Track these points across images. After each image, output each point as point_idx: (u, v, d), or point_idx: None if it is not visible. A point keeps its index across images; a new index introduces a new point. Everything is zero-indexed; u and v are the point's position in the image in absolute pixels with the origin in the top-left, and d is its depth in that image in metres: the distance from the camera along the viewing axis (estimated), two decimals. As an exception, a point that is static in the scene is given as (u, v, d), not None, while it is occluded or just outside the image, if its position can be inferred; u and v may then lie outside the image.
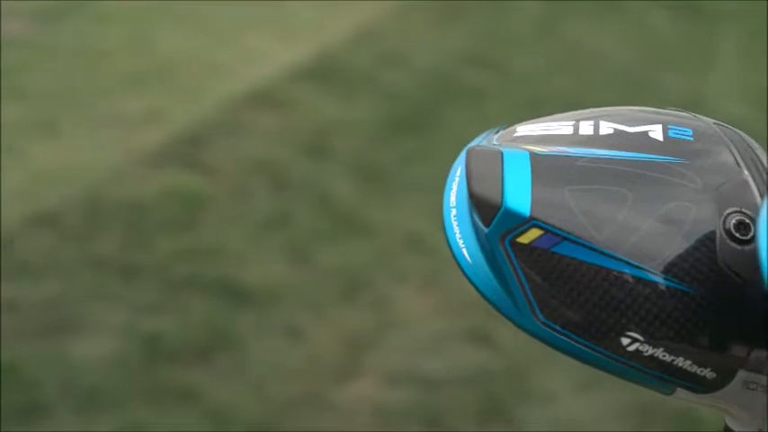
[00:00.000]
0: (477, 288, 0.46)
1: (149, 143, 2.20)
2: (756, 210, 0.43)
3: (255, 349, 1.65)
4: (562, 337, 0.44)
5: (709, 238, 0.43)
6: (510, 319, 0.45)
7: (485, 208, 0.44)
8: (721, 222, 0.43)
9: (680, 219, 0.43)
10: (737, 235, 0.43)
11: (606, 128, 0.46)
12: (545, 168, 0.44)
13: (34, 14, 2.68)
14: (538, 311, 0.44)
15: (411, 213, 1.98)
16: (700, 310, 0.42)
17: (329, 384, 1.59)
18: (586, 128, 0.46)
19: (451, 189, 0.48)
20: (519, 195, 0.43)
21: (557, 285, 0.43)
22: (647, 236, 0.43)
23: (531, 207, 0.43)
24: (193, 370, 1.59)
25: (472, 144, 0.48)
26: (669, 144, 0.45)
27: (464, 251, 0.46)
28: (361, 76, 2.56)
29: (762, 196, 0.44)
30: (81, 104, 2.35)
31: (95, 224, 1.92)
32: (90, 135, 2.24)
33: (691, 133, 0.46)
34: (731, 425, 0.46)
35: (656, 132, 0.46)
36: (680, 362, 0.43)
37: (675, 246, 0.43)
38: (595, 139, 0.46)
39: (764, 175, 0.45)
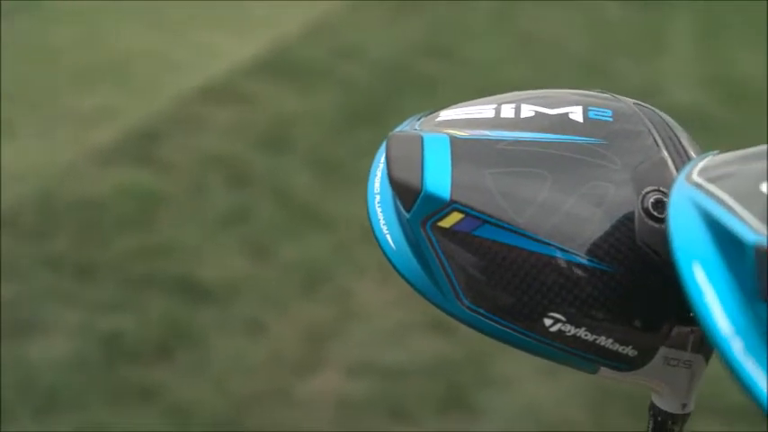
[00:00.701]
0: (401, 275, 0.46)
1: (104, 140, 2.18)
2: None
3: (216, 345, 1.64)
4: (488, 321, 0.44)
5: (628, 217, 0.43)
6: (436, 304, 0.45)
7: (405, 193, 0.44)
8: (640, 201, 0.43)
9: (599, 199, 0.43)
10: (655, 213, 0.43)
11: (527, 110, 0.46)
12: (465, 152, 0.44)
13: (-15, 14, 2.65)
14: (462, 296, 0.44)
15: (369, 205, 1.97)
16: (620, 289, 0.43)
17: (291, 378, 1.59)
18: (508, 111, 0.46)
19: (375, 176, 0.48)
20: (439, 179, 0.43)
21: (479, 269, 0.43)
22: (567, 217, 0.43)
23: (452, 190, 0.43)
24: (153, 368, 1.58)
25: (395, 130, 0.48)
26: (589, 125, 0.45)
27: (388, 237, 0.46)
28: (317, 69, 2.55)
29: (680, 175, 0.44)
30: (34, 103, 2.33)
31: (50, 223, 1.90)
32: (43, 134, 2.22)
33: (610, 114, 0.46)
34: (656, 402, 0.46)
35: (576, 114, 0.46)
36: (602, 341, 0.43)
37: (595, 226, 0.43)
38: (516, 122, 0.46)
39: (683, 155, 0.45)
